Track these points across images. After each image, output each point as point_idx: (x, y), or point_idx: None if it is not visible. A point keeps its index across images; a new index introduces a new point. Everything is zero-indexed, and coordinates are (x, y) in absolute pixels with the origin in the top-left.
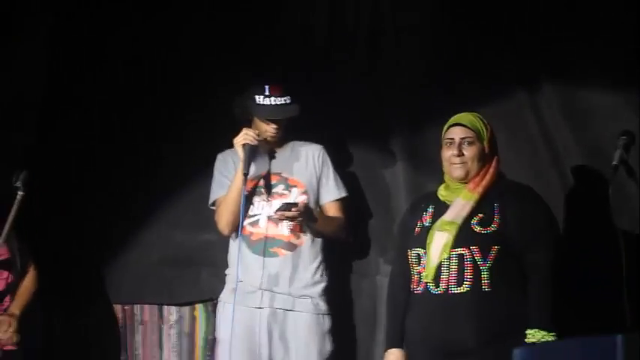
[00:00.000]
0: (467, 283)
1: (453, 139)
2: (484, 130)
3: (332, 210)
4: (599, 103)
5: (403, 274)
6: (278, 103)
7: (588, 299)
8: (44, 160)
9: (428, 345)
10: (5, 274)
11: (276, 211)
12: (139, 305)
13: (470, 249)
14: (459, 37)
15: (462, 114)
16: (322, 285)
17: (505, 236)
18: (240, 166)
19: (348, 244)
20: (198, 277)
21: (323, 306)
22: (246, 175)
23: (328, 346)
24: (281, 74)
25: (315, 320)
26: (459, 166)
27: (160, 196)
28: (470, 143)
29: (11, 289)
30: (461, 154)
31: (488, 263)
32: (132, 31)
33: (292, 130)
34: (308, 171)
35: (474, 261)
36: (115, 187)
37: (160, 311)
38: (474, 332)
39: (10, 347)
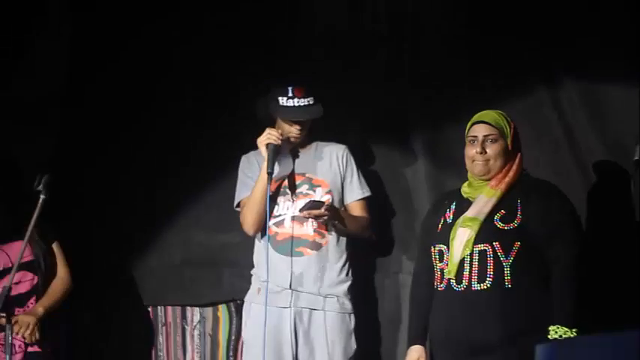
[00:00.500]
0: (489, 279)
1: (476, 136)
2: (507, 127)
3: (356, 209)
4: (620, 99)
5: (426, 271)
6: (302, 104)
7: (611, 295)
8: (64, 161)
9: (451, 342)
10: (30, 275)
11: (302, 209)
12: (161, 307)
13: (492, 245)
14: (480, 35)
15: (486, 111)
16: (347, 284)
17: (527, 232)
18: (264, 165)
19: (371, 243)
20: (221, 278)
21: (348, 305)
22: (270, 174)
23: (353, 345)
24: (302, 75)
25: (341, 319)
26: (481, 163)
27: (182, 197)
28: (493, 141)
29: (36, 291)
30: (484, 152)
31: (511, 259)
32: (156, 31)
33: (315, 130)
34: (332, 171)
35: (496, 257)
36: (136, 189)
37: (183, 312)
38: (496, 329)
39: (34, 348)
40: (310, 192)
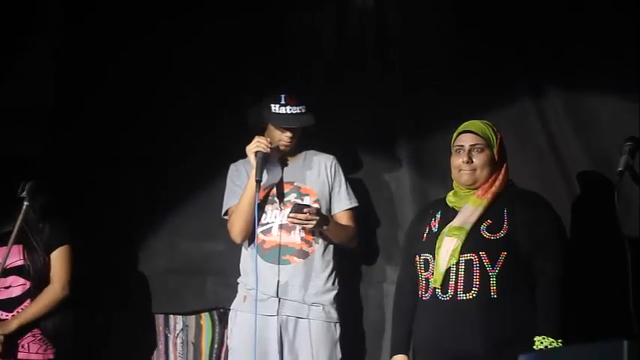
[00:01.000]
0: (475, 289)
1: (462, 146)
2: (494, 137)
3: (343, 219)
4: (604, 109)
5: (410, 280)
6: (294, 112)
7: (594, 305)
8: (50, 169)
9: (436, 351)
10: (22, 280)
11: (289, 213)
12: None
13: (478, 255)
14: (466, 45)
15: (472, 121)
16: (334, 293)
17: (514, 242)
18: (253, 172)
19: (354, 252)
20: (205, 286)
21: (334, 314)
22: (258, 181)
23: (338, 355)
24: (290, 83)
25: (326, 328)
26: (468, 172)
27: (166, 206)
28: (479, 150)
29: (28, 296)
30: (470, 161)
31: (497, 269)
32: (140, 41)
33: (302, 138)
34: (320, 180)
35: (482, 267)
36: (121, 197)
37: (166, 320)
38: (481, 339)
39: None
40: (298, 200)
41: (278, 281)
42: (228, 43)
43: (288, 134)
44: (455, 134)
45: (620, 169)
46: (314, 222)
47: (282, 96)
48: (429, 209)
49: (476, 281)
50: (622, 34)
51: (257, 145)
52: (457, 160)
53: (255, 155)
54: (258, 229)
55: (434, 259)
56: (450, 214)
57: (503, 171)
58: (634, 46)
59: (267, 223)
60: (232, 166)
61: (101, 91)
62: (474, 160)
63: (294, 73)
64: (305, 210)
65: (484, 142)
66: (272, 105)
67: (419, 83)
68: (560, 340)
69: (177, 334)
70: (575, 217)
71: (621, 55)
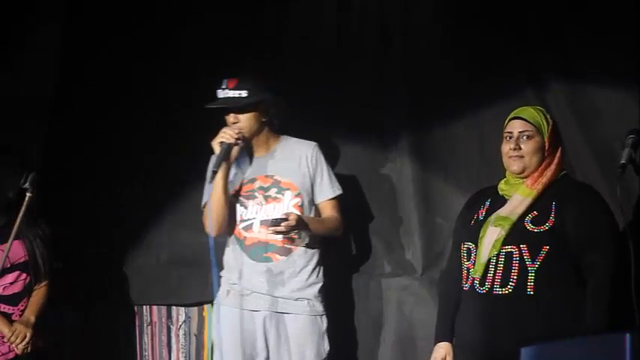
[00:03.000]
0: (511, 284)
1: (511, 132)
2: (545, 124)
3: (327, 209)
4: (607, 101)
5: (457, 268)
6: (229, 95)
7: None
8: (50, 160)
9: (471, 344)
10: (24, 275)
11: (269, 227)
12: (147, 306)
13: (519, 247)
14: (468, 35)
15: (524, 107)
16: (318, 285)
17: (559, 236)
18: (212, 161)
19: (355, 244)
20: (207, 278)
21: (319, 307)
22: (214, 172)
23: (326, 347)
24: (289, 74)
25: (312, 321)
26: (516, 159)
27: (167, 197)
28: (529, 137)
29: (28, 291)
30: (518, 148)
31: (537, 264)
32: (139, 33)
33: (293, 128)
34: (301, 172)
35: (522, 260)
36: (122, 188)
37: (169, 312)
38: (514, 336)
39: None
40: (279, 195)
41: (262, 277)
42: (223, 34)
43: (230, 119)
44: (506, 121)
45: (622, 161)
46: (294, 230)
47: (225, 80)
48: (480, 196)
49: (513, 275)
50: (624, 23)
51: (222, 135)
52: (506, 147)
53: (220, 145)
54: (240, 226)
55: (476, 249)
56: (499, 202)
57: (555, 160)
58: (634, 38)
59: (248, 220)
60: (212, 158)
61: (100, 81)
62: (522, 146)
63: (292, 64)
64: (282, 224)
65: (534, 128)
66: (218, 90)
67: (420, 74)
68: None
69: (180, 326)
70: None
71: (622, 46)
